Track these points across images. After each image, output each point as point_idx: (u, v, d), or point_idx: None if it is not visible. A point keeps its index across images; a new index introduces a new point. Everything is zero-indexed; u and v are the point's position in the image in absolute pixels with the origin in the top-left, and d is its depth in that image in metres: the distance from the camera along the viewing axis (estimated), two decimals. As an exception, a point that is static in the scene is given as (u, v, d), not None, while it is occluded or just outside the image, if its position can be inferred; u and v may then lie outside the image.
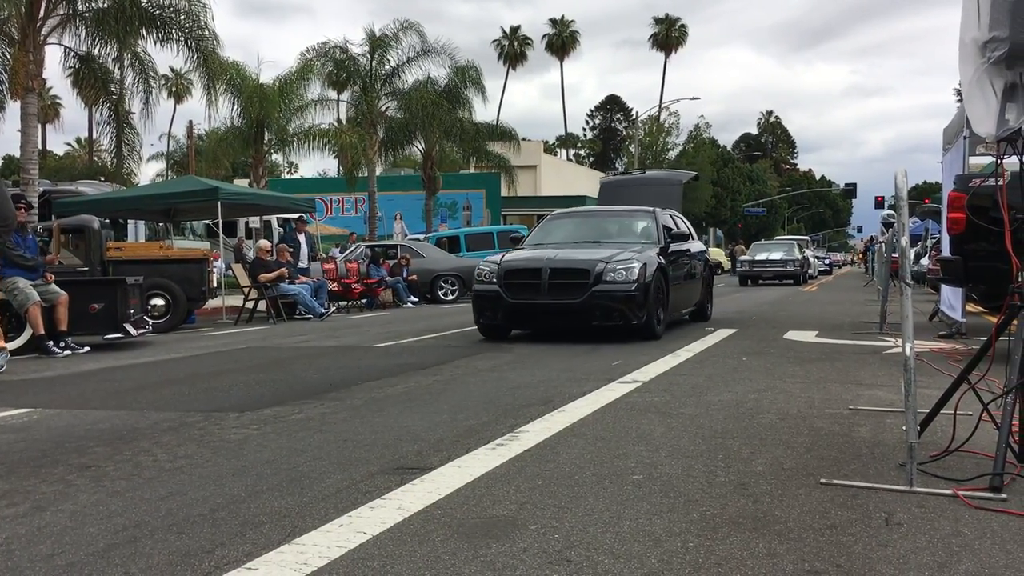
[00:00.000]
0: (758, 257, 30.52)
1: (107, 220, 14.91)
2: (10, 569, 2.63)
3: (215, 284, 15.18)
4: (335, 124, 32.16)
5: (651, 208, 11.27)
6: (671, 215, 11.71)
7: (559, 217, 12.02)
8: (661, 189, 13.40)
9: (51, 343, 9.38)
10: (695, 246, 12.27)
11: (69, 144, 74.89)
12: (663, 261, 10.01)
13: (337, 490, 3.47)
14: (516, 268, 9.76)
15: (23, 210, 9.92)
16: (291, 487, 3.53)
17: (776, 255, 30.30)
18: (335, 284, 16.95)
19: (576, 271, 9.46)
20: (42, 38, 17.98)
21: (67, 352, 9.39)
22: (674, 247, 10.79)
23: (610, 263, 9.41)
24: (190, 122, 53.86)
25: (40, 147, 28.94)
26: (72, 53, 19.78)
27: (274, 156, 37.65)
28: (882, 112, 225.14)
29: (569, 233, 11.15)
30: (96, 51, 19.50)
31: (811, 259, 37.28)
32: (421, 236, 28.12)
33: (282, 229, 25.12)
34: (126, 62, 21.20)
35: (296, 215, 18.12)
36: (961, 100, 6.62)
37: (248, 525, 3.03)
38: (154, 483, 3.64)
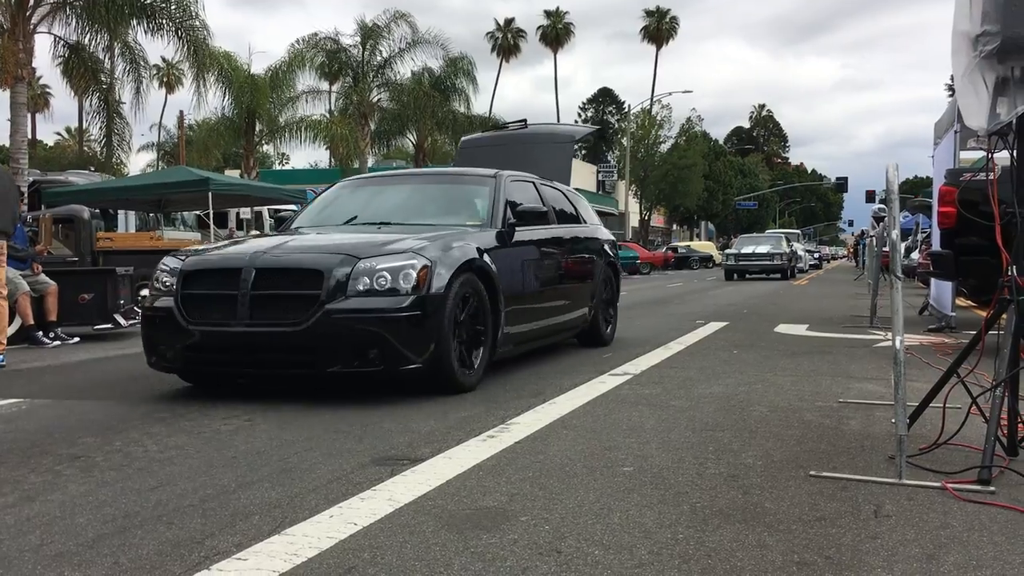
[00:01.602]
0: (744, 251, 29.49)
1: (97, 210, 14.84)
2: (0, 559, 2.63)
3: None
4: (327, 115, 32.08)
5: (491, 172, 7.18)
6: (536, 184, 7.65)
7: (350, 186, 7.84)
8: (543, 150, 9.22)
9: (40, 333, 9.35)
10: (578, 231, 8.12)
11: (59, 134, 74.63)
12: (488, 260, 6.01)
13: (327, 481, 3.47)
14: (202, 269, 5.71)
15: (20, 203, 9.89)
16: (281, 478, 3.53)
17: (763, 248, 29.34)
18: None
19: (299, 273, 5.43)
20: (32, 27, 17.90)
21: (57, 342, 9.36)
22: (525, 234, 6.77)
23: (366, 260, 5.36)
24: (181, 112, 53.55)
25: (30, 136, 28.80)
26: (62, 42, 19.71)
27: (265, 147, 37.55)
28: (873, 106, 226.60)
29: (355, 210, 7.13)
30: (86, 40, 19.44)
31: (801, 253, 37.01)
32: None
33: (272, 220, 25.04)
34: (116, 51, 21.12)
35: (293, 206, 18.12)
36: (952, 94, 6.67)
37: (238, 516, 3.02)
38: (144, 474, 3.63)
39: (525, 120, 9.72)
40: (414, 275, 5.34)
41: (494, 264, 6.06)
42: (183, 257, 5.89)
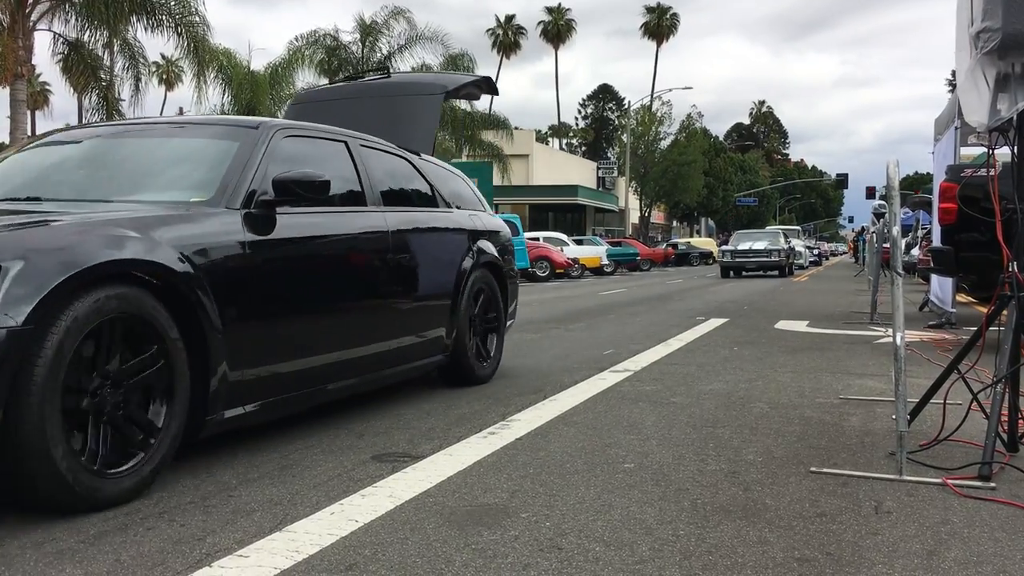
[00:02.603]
0: (740, 247, 28.59)
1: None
2: (0, 557, 2.63)
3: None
4: (326, 112, 32.05)
5: (254, 123, 4.57)
6: (350, 145, 5.05)
7: (46, 141, 5.01)
8: (404, 106, 6.38)
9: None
10: (423, 219, 5.46)
11: (59, 131, 74.45)
12: (196, 261, 3.50)
13: (328, 478, 3.47)
14: None
15: None
16: (282, 475, 3.53)
17: (760, 244, 28.51)
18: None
19: None
20: (32, 24, 17.91)
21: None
22: (301, 219, 4.27)
23: None
24: (180, 109, 53.74)
25: (29, 133, 28.84)
26: (62, 39, 19.72)
27: (265, 144, 37.52)
28: (872, 103, 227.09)
29: (16, 177, 4.49)
30: (86, 37, 19.44)
31: (800, 249, 36.75)
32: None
33: None
34: (116, 48, 21.12)
35: None
36: (953, 90, 6.68)
37: (239, 513, 3.03)
38: (145, 471, 3.63)
39: (388, 68, 7.44)
40: None
41: (213, 269, 3.56)
42: None
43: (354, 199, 4.87)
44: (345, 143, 5.02)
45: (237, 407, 3.74)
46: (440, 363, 5.55)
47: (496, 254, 6.15)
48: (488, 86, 7.11)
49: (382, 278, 4.90)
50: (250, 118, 5.12)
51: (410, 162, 5.71)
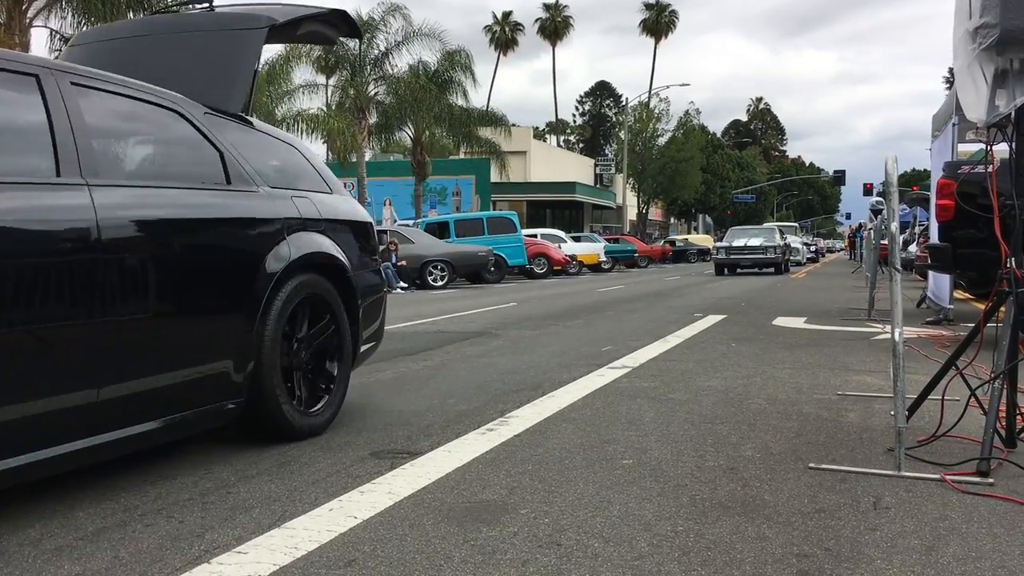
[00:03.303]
0: (735, 243, 27.69)
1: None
2: (-2, 553, 2.62)
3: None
4: (324, 109, 32.04)
5: None
6: (42, 86, 3.18)
7: None
8: (210, 44, 4.51)
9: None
10: (204, 202, 3.77)
11: (55, 128, 74.22)
12: None
13: (327, 475, 3.47)
14: None
15: None
16: (281, 471, 3.53)
17: (755, 241, 27.63)
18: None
19: None
20: (28, 20, 17.87)
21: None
22: None
23: None
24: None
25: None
26: (58, 36, 19.65)
27: (262, 141, 37.39)
28: (870, 99, 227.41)
29: None
30: (82, 34, 19.39)
31: (797, 246, 36.58)
32: (410, 222, 28.06)
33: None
34: (113, 45, 21.07)
35: None
36: (950, 87, 6.68)
37: (238, 509, 3.02)
38: (144, 467, 3.62)
39: (211, 3, 5.13)
40: None
41: None
42: None
43: (38, 168, 3.13)
44: (36, 78, 3.23)
45: None
46: (229, 411, 3.79)
47: (339, 253, 4.44)
48: (345, 24, 5.30)
49: (74, 293, 3.05)
50: None
51: (187, 117, 3.94)
